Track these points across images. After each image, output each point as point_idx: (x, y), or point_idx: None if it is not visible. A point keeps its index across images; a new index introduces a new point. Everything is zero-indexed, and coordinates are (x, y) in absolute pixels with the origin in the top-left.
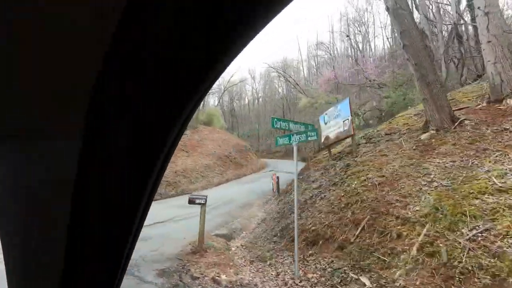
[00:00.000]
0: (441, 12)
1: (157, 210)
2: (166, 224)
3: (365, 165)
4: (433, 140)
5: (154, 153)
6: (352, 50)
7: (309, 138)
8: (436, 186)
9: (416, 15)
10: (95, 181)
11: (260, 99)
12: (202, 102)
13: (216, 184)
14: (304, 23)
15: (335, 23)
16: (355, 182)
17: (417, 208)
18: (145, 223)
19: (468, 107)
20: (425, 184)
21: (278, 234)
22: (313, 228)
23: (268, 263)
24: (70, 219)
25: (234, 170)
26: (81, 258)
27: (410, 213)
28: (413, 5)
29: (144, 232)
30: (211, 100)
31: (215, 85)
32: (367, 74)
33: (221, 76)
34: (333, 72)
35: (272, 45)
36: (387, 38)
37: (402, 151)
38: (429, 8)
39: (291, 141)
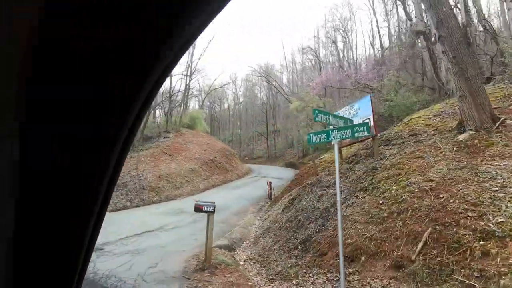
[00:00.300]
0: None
1: (143, 217)
2: (158, 234)
3: (399, 168)
4: (475, 141)
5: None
6: (338, 55)
7: (356, 135)
8: None
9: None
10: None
11: (241, 105)
12: (183, 106)
13: (202, 189)
14: (288, 29)
15: (319, 29)
16: (394, 187)
17: (501, 219)
18: (135, 231)
19: (499, 107)
20: (496, 190)
21: (299, 247)
22: (350, 241)
23: (294, 283)
24: (14, 224)
25: (220, 175)
26: (29, 265)
27: (492, 225)
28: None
29: (135, 242)
30: (191, 104)
31: (195, 89)
32: (358, 78)
33: (202, 81)
34: (325, 76)
35: (255, 50)
36: (372, 46)
37: (442, 153)
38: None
39: (329, 139)
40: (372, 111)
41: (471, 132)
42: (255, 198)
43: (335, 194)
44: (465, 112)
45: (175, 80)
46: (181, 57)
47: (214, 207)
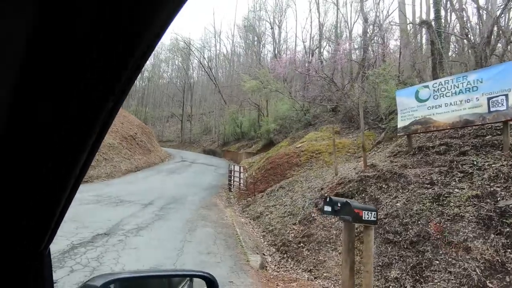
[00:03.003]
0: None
1: (69, 208)
2: (124, 240)
3: None
4: None
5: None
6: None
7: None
8: None
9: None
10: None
11: (146, 79)
12: None
13: (125, 171)
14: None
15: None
16: None
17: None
18: (78, 234)
19: None
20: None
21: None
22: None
23: None
24: None
25: (143, 156)
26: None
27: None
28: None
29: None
30: None
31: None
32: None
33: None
34: (290, 57)
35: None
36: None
37: None
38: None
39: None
40: None
41: None
42: (209, 187)
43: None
44: None
45: None
46: None
47: (377, 214)
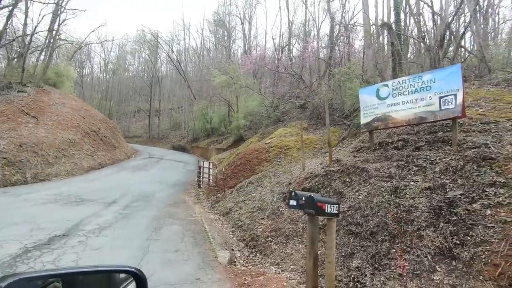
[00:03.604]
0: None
1: (23, 209)
2: (86, 241)
3: None
4: None
5: None
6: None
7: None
8: None
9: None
10: None
11: (110, 72)
12: (47, 54)
13: (87, 168)
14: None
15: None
16: None
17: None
18: (29, 237)
19: None
20: None
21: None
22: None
23: None
24: None
25: (107, 152)
26: None
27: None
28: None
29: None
30: (55, 58)
31: (66, 37)
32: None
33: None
34: (260, 54)
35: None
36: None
37: None
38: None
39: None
40: (462, 84)
41: None
42: (178, 184)
43: (436, 192)
44: None
45: (35, 12)
46: None
47: (339, 207)
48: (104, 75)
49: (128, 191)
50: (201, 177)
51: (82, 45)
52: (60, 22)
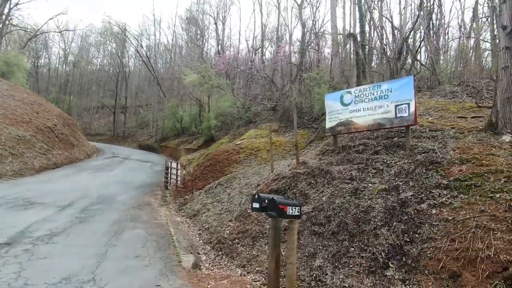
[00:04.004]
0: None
1: None
2: (32, 250)
3: (478, 164)
4: None
5: None
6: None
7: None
8: None
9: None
10: None
11: (71, 64)
12: None
13: (39, 169)
14: None
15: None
16: (497, 186)
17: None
18: None
19: None
20: None
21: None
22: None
23: None
24: None
25: (64, 151)
26: None
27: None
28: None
29: None
30: (4, 45)
31: (19, 24)
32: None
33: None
34: (233, 55)
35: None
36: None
37: (508, 152)
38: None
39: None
40: (414, 95)
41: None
42: (143, 185)
43: (390, 192)
44: (506, 115)
45: None
46: None
47: (300, 209)
48: (64, 67)
49: (86, 193)
50: (169, 178)
51: (38, 33)
52: (11, 5)
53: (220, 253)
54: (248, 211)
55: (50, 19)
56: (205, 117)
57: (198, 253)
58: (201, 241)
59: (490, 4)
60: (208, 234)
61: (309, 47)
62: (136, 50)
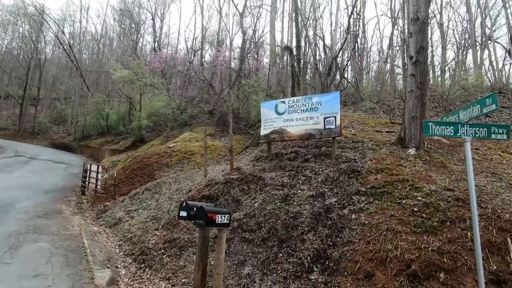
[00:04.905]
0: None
1: None
2: None
3: (390, 173)
4: (427, 157)
5: None
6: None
7: (493, 136)
8: None
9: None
10: None
11: None
12: None
13: None
14: None
15: None
16: (403, 193)
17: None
18: None
19: None
20: None
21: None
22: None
23: None
24: None
25: None
26: None
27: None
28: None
29: None
30: None
31: None
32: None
33: None
34: (171, 53)
35: None
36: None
37: (412, 163)
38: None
39: (459, 133)
40: (340, 108)
41: (413, 148)
42: (54, 190)
43: (314, 196)
44: (411, 132)
45: None
46: None
47: (230, 217)
48: None
49: None
50: (87, 182)
51: None
52: None
53: (143, 265)
54: (177, 218)
55: None
56: (136, 116)
57: (117, 267)
58: (122, 253)
59: (402, 36)
60: (130, 244)
61: (249, 55)
62: (56, 36)
